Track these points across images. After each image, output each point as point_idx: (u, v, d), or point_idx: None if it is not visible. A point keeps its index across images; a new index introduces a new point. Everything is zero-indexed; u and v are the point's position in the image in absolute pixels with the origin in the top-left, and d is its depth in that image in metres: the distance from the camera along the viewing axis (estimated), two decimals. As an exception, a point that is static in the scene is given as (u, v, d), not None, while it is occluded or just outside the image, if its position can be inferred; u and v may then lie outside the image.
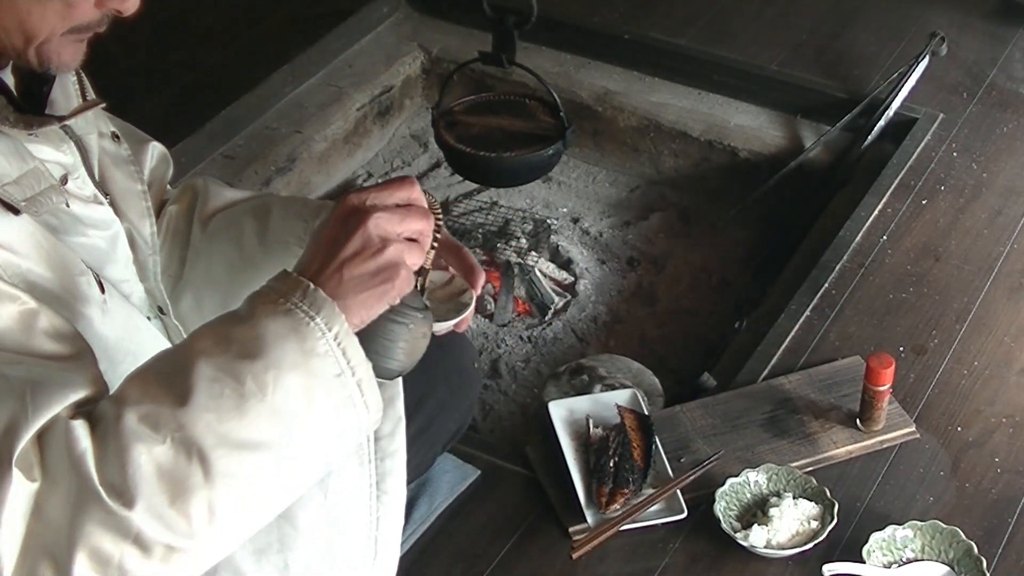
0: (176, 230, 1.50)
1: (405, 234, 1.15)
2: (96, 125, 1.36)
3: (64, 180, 1.24)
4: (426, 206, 1.19)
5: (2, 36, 1.16)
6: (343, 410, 1.11)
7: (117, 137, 1.40)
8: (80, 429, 1.04)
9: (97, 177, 1.33)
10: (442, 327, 1.36)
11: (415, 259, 1.16)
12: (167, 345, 1.40)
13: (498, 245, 2.70)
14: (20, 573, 1.04)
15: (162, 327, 1.43)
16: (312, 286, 1.10)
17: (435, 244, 1.26)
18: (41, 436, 1.04)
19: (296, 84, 2.98)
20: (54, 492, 1.03)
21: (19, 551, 1.03)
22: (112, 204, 1.35)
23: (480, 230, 2.76)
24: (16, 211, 1.15)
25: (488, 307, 2.64)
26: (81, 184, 1.28)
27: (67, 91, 1.32)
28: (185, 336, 1.45)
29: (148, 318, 1.40)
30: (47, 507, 1.04)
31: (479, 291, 1.37)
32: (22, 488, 1.02)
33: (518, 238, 2.73)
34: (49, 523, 1.03)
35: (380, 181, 1.18)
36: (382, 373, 1.24)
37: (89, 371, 1.12)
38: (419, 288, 1.29)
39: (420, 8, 3.24)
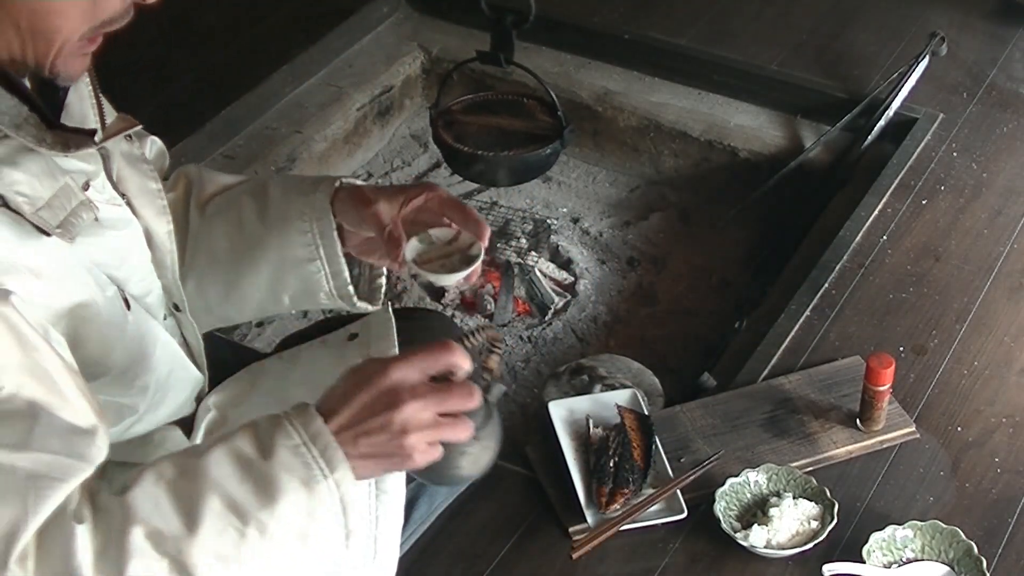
0: (174, 219, 1.50)
1: (440, 412, 1.16)
2: (108, 124, 1.36)
3: (86, 186, 1.24)
4: (467, 370, 1.19)
5: (25, 42, 1.14)
6: (331, 558, 1.18)
7: (130, 136, 1.40)
8: (82, 538, 1.06)
9: (115, 178, 1.33)
10: (453, 279, 1.43)
11: (458, 435, 1.18)
12: (177, 351, 1.41)
13: (498, 245, 2.70)
14: None
15: (175, 325, 1.44)
16: (334, 443, 1.13)
17: (489, 373, 1.31)
18: (41, 532, 1.06)
19: (296, 84, 2.98)
20: None
21: None
22: (128, 204, 1.35)
23: (480, 230, 2.76)
24: (48, 234, 1.16)
25: (488, 307, 2.63)
26: (100, 187, 1.28)
27: (80, 93, 1.31)
28: (198, 334, 1.47)
29: (164, 316, 1.41)
30: None
31: (486, 242, 1.44)
32: None
33: (518, 238, 2.73)
34: None
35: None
36: (451, 481, 1.34)
37: (100, 442, 1.13)
38: (485, 390, 1.29)
39: (420, 8, 3.24)
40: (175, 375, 1.42)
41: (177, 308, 1.44)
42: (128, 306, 1.29)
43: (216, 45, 3.13)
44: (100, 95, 1.33)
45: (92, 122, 1.31)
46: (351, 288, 1.52)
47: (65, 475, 1.08)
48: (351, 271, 1.52)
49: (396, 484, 1.43)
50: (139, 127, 1.30)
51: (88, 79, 1.34)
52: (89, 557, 1.07)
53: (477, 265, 1.43)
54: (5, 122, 1.14)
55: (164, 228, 1.39)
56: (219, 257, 1.50)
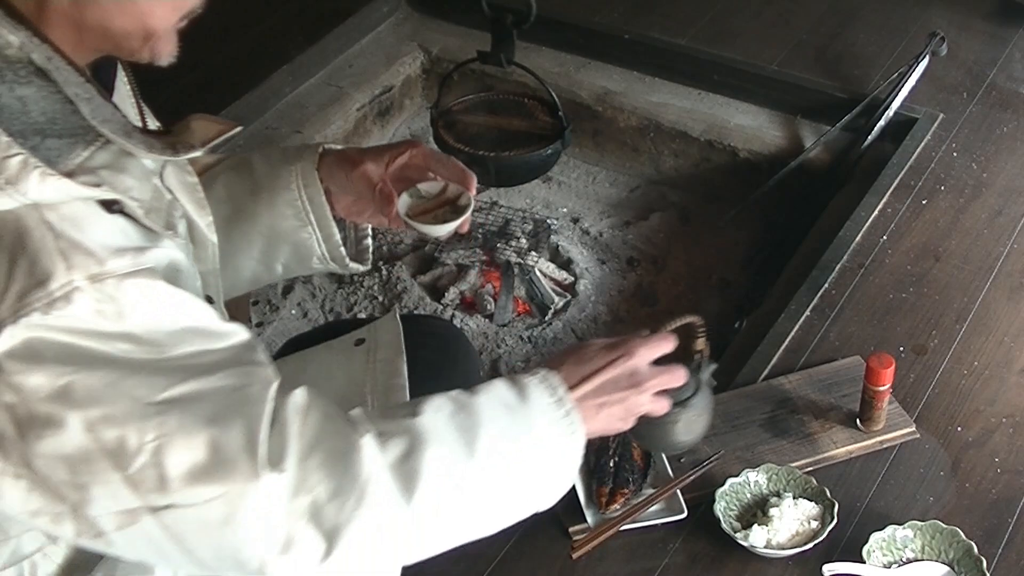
0: None
1: (656, 389, 1.41)
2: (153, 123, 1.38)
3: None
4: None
5: (120, 38, 1.16)
6: (542, 504, 1.34)
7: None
8: (370, 449, 1.17)
9: (163, 175, 1.34)
10: (445, 230, 1.51)
11: (658, 410, 1.43)
12: None
13: (498, 245, 2.70)
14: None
15: None
16: (576, 408, 1.33)
17: (699, 354, 1.64)
18: (328, 445, 1.15)
19: (296, 84, 2.98)
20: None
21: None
22: (170, 192, 1.36)
23: (480, 230, 2.76)
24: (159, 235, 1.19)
25: (488, 307, 2.64)
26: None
27: (121, 94, 1.33)
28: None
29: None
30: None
31: (473, 192, 1.52)
32: (275, 480, 1.11)
33: (518, 238, 2.73)
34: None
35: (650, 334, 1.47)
36: (672, 448, 1.67)
37: (263, 350, 1.21)
38: (696, 369, 1.61)
39: (420, 8, 3.25)
40: None
41: (211, 300, 1.44)
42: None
43: (215, 46, 3.13)
44: (140, 97, 1.36)
45: (136, 120, 1.33)
46: (343, 250, 1.56)
47: (266, 381, 1.15)
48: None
49: None
50: (239, 129, 1.32)
51: (127, 80, 1.34)
52: (384, 472, 1.16)
53: (468, 215, 1.51)
54: (116, 130, 1.15)
55: (204, 220, 1.39)
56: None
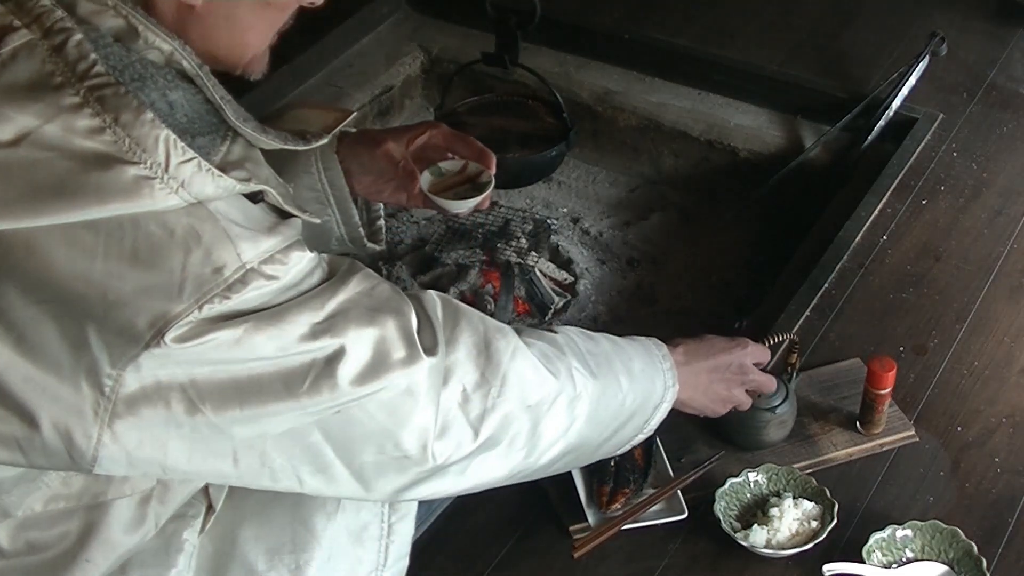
0: None
1: (754, 387, 1.72)
2: None
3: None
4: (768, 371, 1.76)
5: (223, 54, 1.24)
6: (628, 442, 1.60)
7: None
8: (525, 352, 1.36)
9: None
10: (467, 205, 1.58)
11: (747, 403, 1.74)
12: None
13: (498, 245, 2.70)
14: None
15: None
16: (675, 376, 1.59)
17: (791, 367, 1.90)
18: (489, 348, 1.32)
19: (296, 84, 2.98)
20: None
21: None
22: None
23: (480, 230, 2.76)
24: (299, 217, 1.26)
25: (488, 307, 2.64)
26: None
27: None
28: None
29: None
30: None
31: (493, 170, 1.60)
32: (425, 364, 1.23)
33: (518, 238, 2.73)
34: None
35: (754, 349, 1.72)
36: (758, 445, 1.88)
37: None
38: (788, 380, 1.87)
39: (420, 8, 3.24)
40: None
41: None
42: None
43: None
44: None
45: None
46: (361, 231, 1.61)
47: (386, 281, 1.27)
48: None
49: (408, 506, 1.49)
50: (354, 114, 1.44)
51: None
52: (537, 367, 1.35)
53: (488, 192, 1.59)
54: (255, 128, 1.23)
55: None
56: None
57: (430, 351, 1.23)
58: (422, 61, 3.15)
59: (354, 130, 1.60)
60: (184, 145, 1.11)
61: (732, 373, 1.66)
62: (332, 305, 1.18)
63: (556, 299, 2.66)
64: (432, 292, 1.32)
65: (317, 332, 1.16)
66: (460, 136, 1.61)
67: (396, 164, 1.56)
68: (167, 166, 1.09)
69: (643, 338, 1.58)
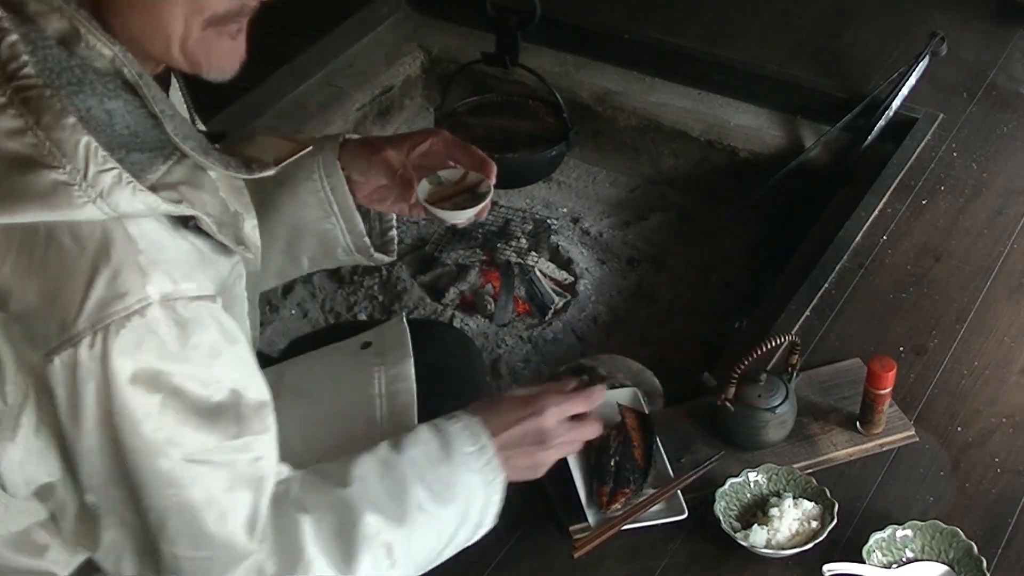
0: None
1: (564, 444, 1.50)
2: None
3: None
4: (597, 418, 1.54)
5: (147, 43, 1.16)
6: (462, 543, 1.44)
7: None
8: (310, 527, 1.26)
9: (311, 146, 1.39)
10: (464, 216, 1.54)
11: (573, 450, 1.58)
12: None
13: (498, 245, 2.70)
14: None
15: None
16: (496, 457, 1.41)
17: (792, 367, 1.88)
18: (273, 519, 1.24)
19: (296, 84, 2.98)
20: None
21: None
22: None
23: (480, 230, 2.76)
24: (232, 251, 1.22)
25: (488, 307, 2.64)
26: None
27: (174, 102, 1.32)
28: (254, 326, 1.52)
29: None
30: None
31: (493, 180, 1.55)
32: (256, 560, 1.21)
33: (518, 238, 2.73)
34: None
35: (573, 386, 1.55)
36: (759, 446, 1.88)
37: (273, 413, 1.25)
38: (787, 380, 1.85)
39: (420, 8, 3.25)
40: None
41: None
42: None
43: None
44: (193, 108, 1.36)
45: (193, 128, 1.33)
46: (367, 240, 1.57)
47: (269, 451, 1.22)
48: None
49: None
50: (310, 149, 1.34)
51: (180, 91, 1.35)
52: (320, 545, 1.25)
53: (487, 202, 1.54)
54: (195, 147, 1.17)
55: (251, 223, 1.39)
56: None
57: (260, 540, 1.23)
58: (422, 61, 3.15)
59: (357, 136, 1.57)
60: (105, 154, 1.08)
61: (529, 444, 1.46)
62: (209, 446, 1.17)
63: (556, 299, 2.66)
64: (273, 479, 1.27)
65: (176, 467, 1.15)
66: (461, 144, 1.57)
67: (394, 172, 1.53)
68: (86, 173, 1.06)
69: (456, 427, 1.42)
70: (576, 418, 1.50)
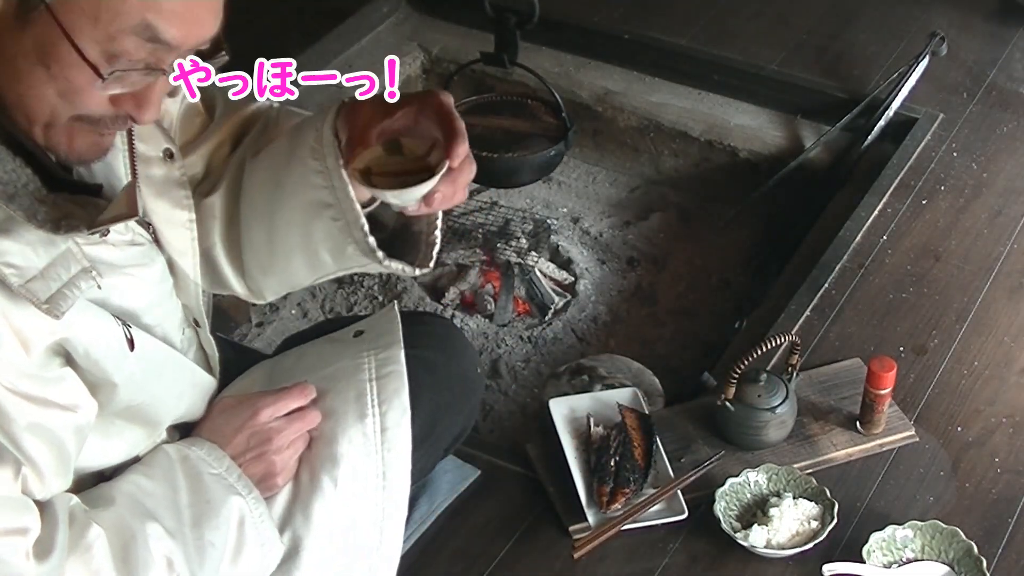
0: (233, 179, 1.43)
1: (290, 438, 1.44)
2: (144, 153, 1.30)
3: (106, 233, 1.21)
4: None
5: (12, 112, 1.11)
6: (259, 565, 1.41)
7: (171, 156, 1.33)
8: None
9: (141, 212, 1.24)
10: (402, 197, 1.23)
11: (310, 425, 1.47)
12: (189, 365, 1.40)
13: (498, 245, 2.70)
14: None
15: (193, 336, 1.42)
16: (239, 470, 1.40)
17: (792, 367, 1.90)
18: None
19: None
20: None
21: None
22: (154, 233, 1.32)
23: (480, 230, 2.76)
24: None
25: (488, 307, 2.64)
26: (123, 228, 1.25)
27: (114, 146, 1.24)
28: (213, 342, 1.47)
29: (183, 331, 1.39)
30: None
31: (455, 161, 1.24)
32: None
33: (518, 238, 2.73)
34: None
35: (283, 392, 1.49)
36: (759, 446, 1.89)
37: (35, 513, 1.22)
38: (788, 381, 1.87)
39: (420, 8, 3.24)
40: (187, 386, 1.42)
41: (196, 323, 1.42)
42: (132, 347, 1.25)
43: (216, 45, 3.13)
44: (133, 141, 1.27)
45: (121, 171, 1.27)
46: (371, 240, 1.31)
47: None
48: (411, 229, 1.40)
49: (401, 476, 1.44)
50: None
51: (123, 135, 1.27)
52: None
53: (432, 183, 1.22)
54: (20, 204, 1.11)
55: (190, 261, 1.35)
56: (257, 207, 1.40)
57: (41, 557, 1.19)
58: (422, 61, 3.14)
59: (363, 98, 1.39)
60: None
61: (256, 447, 1.43)
62: None
63: (556, 299, 2.66)
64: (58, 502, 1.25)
65: None
66: (439, 113, 1.29)
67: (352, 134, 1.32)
68: None
69: (199, 453, 1.40)
70: (293, 414, 1.45)
